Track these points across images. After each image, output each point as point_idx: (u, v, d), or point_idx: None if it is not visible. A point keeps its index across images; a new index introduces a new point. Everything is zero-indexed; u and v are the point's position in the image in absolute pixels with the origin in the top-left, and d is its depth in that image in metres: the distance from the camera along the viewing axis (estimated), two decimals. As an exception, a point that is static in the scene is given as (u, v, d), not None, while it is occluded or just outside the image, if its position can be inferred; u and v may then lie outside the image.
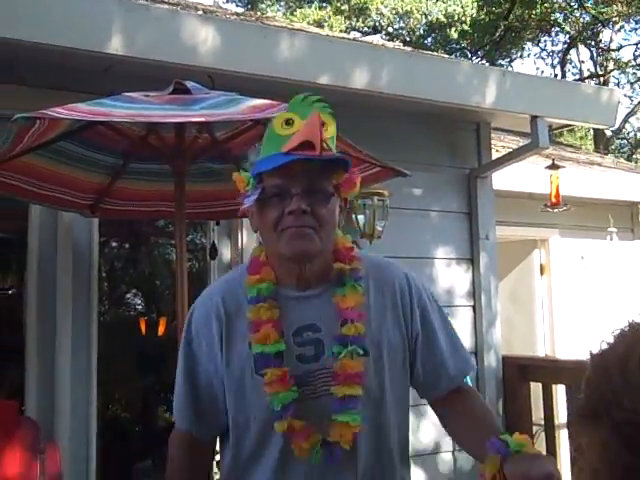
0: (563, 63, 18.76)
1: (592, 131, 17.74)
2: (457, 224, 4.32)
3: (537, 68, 20.28)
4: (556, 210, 5.11)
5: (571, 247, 5.90)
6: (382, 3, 17.05)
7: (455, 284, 4.24)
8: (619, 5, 15.33)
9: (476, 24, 16.53)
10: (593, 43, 17.98)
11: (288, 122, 1.47)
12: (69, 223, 3.32)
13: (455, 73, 4.03)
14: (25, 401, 3.22)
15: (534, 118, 4.06)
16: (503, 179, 4.71)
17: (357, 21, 17.64)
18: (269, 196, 1.49)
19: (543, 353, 5.75)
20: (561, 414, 4.52)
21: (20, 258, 4.32)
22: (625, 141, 20.54)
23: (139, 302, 7.11)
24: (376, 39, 9.21)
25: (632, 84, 18.88)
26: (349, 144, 2.57)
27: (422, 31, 17.91)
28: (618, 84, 18.27)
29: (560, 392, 4.55)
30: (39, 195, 3.05)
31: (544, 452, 4.06)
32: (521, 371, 4.26)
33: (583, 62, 18.42)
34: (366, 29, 17.68)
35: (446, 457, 4.07)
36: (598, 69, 18.27)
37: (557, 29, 17.41)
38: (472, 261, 4.33)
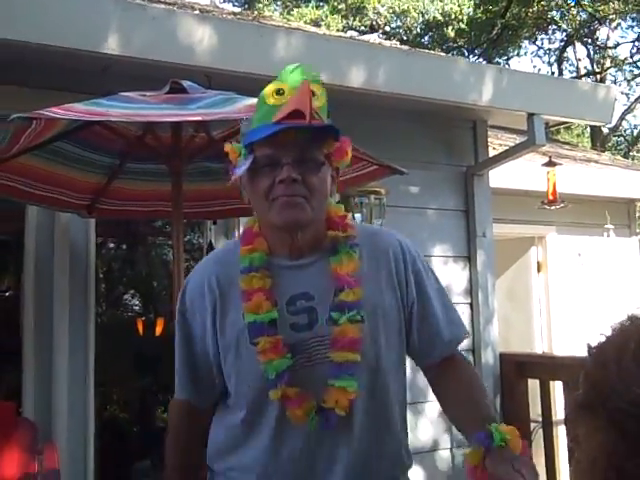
0: (560, 61, 18.77)
1: (589, 129, 17.74)
2: (454, 222, 4.32)
3: (534, 66, 20.28)
4: (553, 207, 5.12)
5: (568, 244, 5.91)
6: (379, 2, 17.04)
7: (452, 282, 4.24)
8: (616, 2, 15.34)
9: (473, 22, 16.53)
10: (590, 41, 17.99)
11: (278, 92, 1.48)
12: (66, 224, 3.32)
13: (452, 71, 4.04)
14: (23, 402, 3.22)
15: (531, 115, 4.06)
16: (500, 177, 4.71)
17: (354, 20, 17.62)
18: (260, 166, 1.50)
19: (540, 350, 5.75)
20: (559, 410, 4.52)
21: (17, 259, 4.31)
22: (622, 138, 20.54)
23: (136, 302, 7.10)
24: (373, 38, 9.20)
25: (629, 81, 18.88)
26: (346, 142, 2.56)
27: (419, 30, 17.89)
28: (615, 81, 18.27)
29: (558, 388, 4.55)
30: (36, 196, 3.05)
31: (542, 449, 4.08)
32: (519, 368, 4.27)
33: (580, 60, 18.41)
34: (363, 28, 17.66)
35: (444, 454, 4.08)
36: (595, 67, 18.27)
37: (554, 27, 17.42)
38: (469, 259, 4.33)
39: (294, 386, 1.49)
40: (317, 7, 17.72)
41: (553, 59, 19.33)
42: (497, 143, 5.64)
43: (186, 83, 2.58)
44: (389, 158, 3.04)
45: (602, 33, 17.79)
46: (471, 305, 4.30)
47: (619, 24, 17.52)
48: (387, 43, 7.80)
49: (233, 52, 3.33)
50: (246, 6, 17.55)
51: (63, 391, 3.21)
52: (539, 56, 19.80)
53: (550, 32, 18.11)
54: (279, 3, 18.94)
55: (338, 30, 14.71)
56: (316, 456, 1.54)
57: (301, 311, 1.54)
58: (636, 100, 18.77)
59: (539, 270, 5.93)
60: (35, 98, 2.86)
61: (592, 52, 18.50)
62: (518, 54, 19.22)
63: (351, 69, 3.63)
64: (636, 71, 18.43)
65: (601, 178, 6.18)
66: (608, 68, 17.94)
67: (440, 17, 16.83)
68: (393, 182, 3.51)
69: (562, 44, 18.30)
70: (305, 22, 14.13)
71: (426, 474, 3.95)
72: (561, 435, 4.48)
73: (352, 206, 3.69)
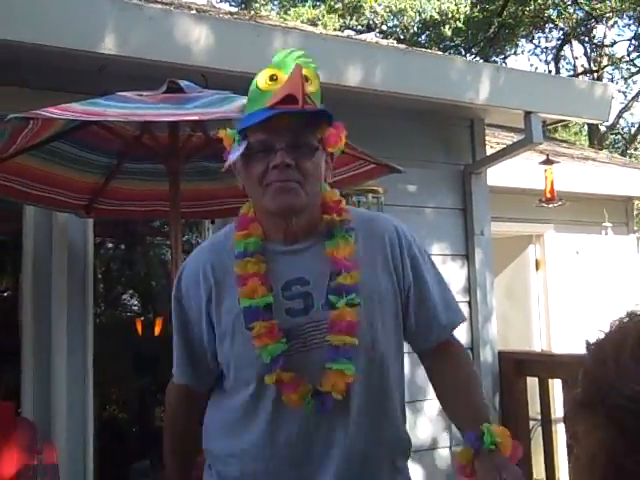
0: (557, 59, 18.78)
1: (586, 127, 17.76)
2: (452, 220, 4.32)
3: (531, 65, 20.28)
4: (551, 205, 5.12)
5: (566, 242, 5.91)
6: (376, 1, 17.04)
7: (451, 280, 4.21)
8: (612, 0, 15.35)
9: (470, 21, 16.53)
10: (587, 39, 18.01)
11: (272, 78, 1.49)
12: (64, 224, 3.32)
13: (449, 70, 4.04)
14: (21, 402, 3.22)
15: (528, 114, 4.07)
16: (498, 175, 4.71)
17: (351, 19, 17.62)
18: (254, 151, 1.50)
19: (539, 348, 5.76)
20: (558, 408, 4.52)
21: (15, 260, 4.31)
22: (619, 136, 20.56)
23: (135, 302, 7.10)
24: (370, 37, 9.20)
25: (626, 79, 18.89)
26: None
27: (416, 29, 17.89)
28: (612, 80, 18.27)
29: (557, 386, 4.56)
30: (33, 196, 3.04)
31: (541, 447, 4.08)
32: (517, 366, 4.27)
33: (577, 58, 18.41)
34: (360, 27, 17.67)
35: (443, 453, 4.08)
36: (592, 65, 18.27)
37: (551, 25, 17.42)
38: (467, 257, 4.33)
39: (289, 371, 1.49)
40: (314, 6, 17.73)
41: (550, 57, 19.35)
42: (494, 141, 5.65)
43: (183, 83, 2.58)
44: (387, 157, 3.04)
45: (599, 31, 17.83)
46: (469, 303, 4.30)
47: (616, 22, 17.55)
48: (384, 42, 7.79)
49: (230, 52, 3.33)
50: (243, 6, 17.54)
51: (62, 391, 3.21)
52: (536, 54, 19.83)
53: (547, 30, 18.12)
54: (276, 3, 18.94)
55: (335, 29, 14.71)
56: (313, 440, 1.54)
57: (296, 296, 1.54)
58: (633, 98, 18.79)
59: (537, 268, 5.93)
60: (32, 98, 2.86)
61: (589, 50, 18.52)
62: (515, 53, 19.25)
63: (348, 68, 3.63)
64: (633, 69, 18.44)
65: (599, 176, 6.19)
66: (605, 66, 17.95)
67: (437, 16, 16.83)
68: (391, 181, 3.51)
69: (559, 42, 18.33)
70: (302, 22, 14.12)
71: (425, 472, 3.95)
72: (560, 433, 4.49)
73: (350, 205, 3.69)
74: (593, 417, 0.79)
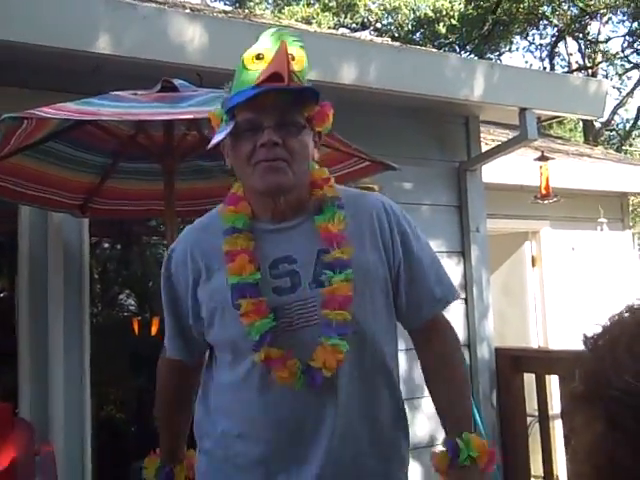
0: (552, 56, 18.80)
1: (581, 123, 17.78)
2: (447, 217, 4.33)
3: (526, 62, 20.32)
4: (546, 202, 5.12)
5: (562, 238, 5.92)
6: (370, -1, 17.06)
7: (447, 277, 4.24)
8: (606, -3, 15.38)
9: (464, 19, 16.55)
10: (581, 35, 18.02)
11: (258, 57, 1.50)
12: (59, 224, 3.31)
13: (443, 67, 4.04)
14: (19, 403, 3.21)
15: (522, 110, 4.07)
16: (493, 172, 4.72)
17: (345, 17, 17.63)
18: (242, 130, 1.50)
19: (536, 344, 5.77)
20: (555, 404, 4.53)
21: (10, 260, 4.31)
22: (614, 133, 20.59)
23: (131, 302, 7.09)
24: (364, 35, 9.21)
25: (620, 76, 18.91)
26: (338, 139, 2.57)
27: (410, 26, 17.89)
28: (607, 76, 18.29)
29: (554, 382, 4.57)
30: (27, 196, 3.04)
31: (538, 443, 4.09)
32: (514, 362, 4.28)
33: (571, 55, 18.43)
34: (354, 25, 17.68)
35: (441, 450, 4.08)
36: (586, 61, 18.30)
37: (545, 22, 17.44)
38: (463, 254, 4.33)
39: (277, 347, 1.49)
40: (308, 5, 17.72)
41: (545, 54, 19.37)
42: (490, 138, 5.64)
43: (177, 82, 2.58)
44: (381, 154, 3.04)
45: (593, 28, 17.87)
46: (466, 300, 4.30)
47: (610, 18, 17.56)
48: (378, 40, 7.80)
49: (224, 50, 3.32)
50: (237, 5, 17.54)
51: (59, 391, 3.20)
52: (531, 51, 19.88)
53: (541, 27, 18.14)
54: (270, 1, 18.94)
55: (329, 28, 14.71)
56: (304, 418, 1.53)
57: (284, 274, 1.54)
58: (628, 94, 18.81)
59: (533, 265, 5.94)
60: (26, 98, 2.85)
61: (583, 47, 18.53)
62: (510, 50, 19.28)
63: (342, 66, 3.63)
64: (627, 65, 18.48)
65: (594, 172, 6.20)
66: (600, 62, 17.98)
67: (431, 13, 16.85)
68: (386, 178, 3.51)
69: (553, 39, 18.33)
70: (296, 20, 14.12)
71: (423, 470, 3.95)
72: (558, 429, 4.50)
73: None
74: (590, 410, 0.79)
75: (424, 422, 3.91)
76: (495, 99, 4.14)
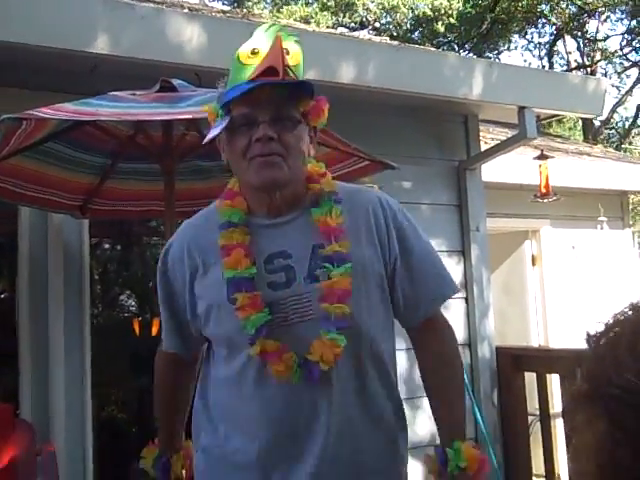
0: (550, 54, 18.79)
1: (581, 122, 17.78)
2: (447, 216, 4.32)
3: (524, 60, 20.32)
4: (546, 200, 5.12)
5: (562, 237, 5.92)
6: (368, -2, 17.06)
7: (447, 276, 4.24)
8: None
9: (462, 17, 16.55)
10: (580, 34, 18.01)
11: (253, 52, 1.50)
12: (59, 225, 3.31)
13: (442, 65, 4.04)
14: (20, 404, 3.22)
15: (522, 109, 4.07)
16: (492, 171, 4.71)
17: (344, 17, 17.63)
18: (237, 125, 1.50)
19: (537, 343, 5.77)
20: (556, 403, 4.53)
21: (11, 261, 4.30)
22: (613, 131, 20.59)
23: (132, 303, 7.09)
24: (363, 34, 9.21)
25: (619, 74, 18.93)
26: (337, 138, 2.57)
27: (409, 25, 17.91)
28: (605, 74, 18.32)
29: (554, 381, 4.57)
30: (27, 197, 3.04)
31: (540, 443, 4.08)
32: (515, 361, 4.28)
33: (570, 53, 18.43)
34: (353, 25, 17.68)
35: (442, 449, 4.08)
36: (585, 60, 18.30)
37: (543, 20, 17.44)
38: (463, 253, 4.33)
39: (274, 340, 1.49)
40: (306, 4, 17.74)
41: (543, 53, 19.37)
42: (489, 137, 5.64)
43: (176, 81, 2.58)
44: (381, 154, 3.04)
45: (592, 26, 17.84)
46: (466, 299, 4.30)
47: (608, 17, 17.56)
48: (377, 39, 7.79)
49: (223, 50, 3.29)
50: (235, 4, 17.53)
51: (60, 392, 3.20)
52: (529, 50, 19.86)
53: (540, 26, 18.15)
54: (268, 1, 18.93)
55: (328, 27, 14.70)
56: (299, 414, 1.52)
57: (279, 269, 1.53)
58: (627, 92, 18.81)
59: (534, 263, 5.94)
60: (26, 99, 2.85)
61: (582, 45, 18.53)
62: (508, 48, 19.27)
63: (341, 65, 3.63)
64: (626, 63, 18.47)
65: (594, 171, 6.20)
66: (598, 61, 17.98)
67: (430, 12, 16.85)
68: (385, 178, 3.50)
69: (552, 37, 18.34)
70: (295, 19, 14.12)
71: (423, 469, 3.95)
72: (559, 428, 4.50)
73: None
74: (591, 408, 0.79)
75: (425, 421, 3.90)
76: (494, 98, 4.14)
